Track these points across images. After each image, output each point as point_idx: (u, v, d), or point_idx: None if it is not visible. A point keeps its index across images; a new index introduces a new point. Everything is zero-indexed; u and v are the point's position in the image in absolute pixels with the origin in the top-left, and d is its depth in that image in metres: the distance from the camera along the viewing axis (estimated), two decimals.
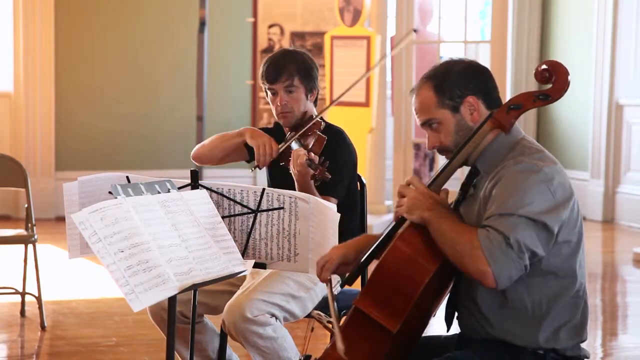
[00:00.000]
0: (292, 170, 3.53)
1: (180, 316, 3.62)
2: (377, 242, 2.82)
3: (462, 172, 2.95)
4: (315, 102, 3.83)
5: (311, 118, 3.76)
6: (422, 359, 2.84)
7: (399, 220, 2.79)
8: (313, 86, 3.78)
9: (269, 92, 3.78)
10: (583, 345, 2.83)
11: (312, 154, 3.49)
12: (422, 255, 2.67)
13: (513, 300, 2.73)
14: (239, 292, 3.57)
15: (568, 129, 9.50)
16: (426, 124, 2.82)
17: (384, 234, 2.82)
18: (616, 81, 9.07)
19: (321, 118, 3.78)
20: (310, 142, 3.66)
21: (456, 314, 2.87)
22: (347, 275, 2.87)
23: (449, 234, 2.64)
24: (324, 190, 3.59)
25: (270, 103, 3.80)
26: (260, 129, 4.05)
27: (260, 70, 3.81)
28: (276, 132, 3.87)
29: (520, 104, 2.75)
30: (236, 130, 3.83)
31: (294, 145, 3.66)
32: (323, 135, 3.67)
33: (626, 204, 9.02)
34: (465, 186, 2.84)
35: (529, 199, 2.62)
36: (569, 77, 2.74)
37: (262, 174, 3.94)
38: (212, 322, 3.86)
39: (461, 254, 2.61)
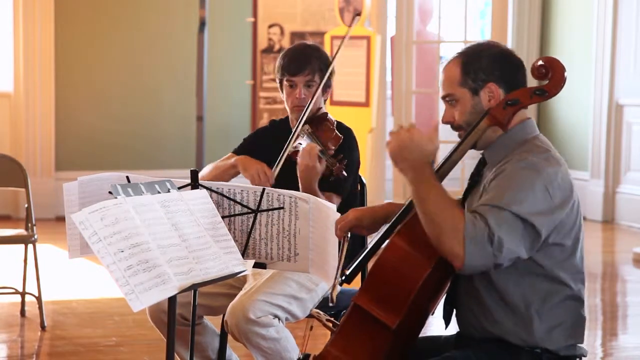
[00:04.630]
0: (299, 165, 3.53)
1: (180, 318, 3.62)
2: (376, 239, 2.83)
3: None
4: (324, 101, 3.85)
5: (323, 114, 3.76)
6: (421, 359, 2.84)
7: (399, 218, 2.80)
8: (329, 84, 3.80)
9: (286, 84, 3.77)
10: (582, 345, 2.84)
11: (331, 147, 3.52)
12: (420, 251, 2.68)
13: (510, 299, 2.74)
14: (241, 293, 3.57)
15: (568, 129, 9.50)
16: (445, 98, 2.83)
17: (382, 233, 2.83)
18: (616, 81, 9.06)
19: (331, 116, 3.79)
20: (325, 139, 3.65)
21: (454, 311, 2.88)
22: (347, 273, 2.87)
23: (433, 206, 2.62)
24: (332, 187, 3.60)
25: (284, 95, 3.80)
26: (257, 130, 4.04)
27: (278, 61, 3.80)
28: (277, 130, 3.86)
29: (516, 100, 2.76)
30: (229, 161, 3.81)
31: (306, 140, 3.66)
32: (339, 134, 3.68)
33: (626, 204, 9.02)
34: (474, 176, 2.85)
35: (524, 197, 2.62)
36: (566, 73, 2.75)
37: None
38: (212, 322, 3.86)
39: (441, 229, 2.60)
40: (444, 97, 2.84)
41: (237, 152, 3.90)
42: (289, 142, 3.67)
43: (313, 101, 3.70)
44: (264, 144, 3.86)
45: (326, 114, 3.79)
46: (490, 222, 2.58)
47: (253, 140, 3.94)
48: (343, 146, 3.68)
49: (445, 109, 2.84)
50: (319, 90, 3.73)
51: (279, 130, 3.85)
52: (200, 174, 3.85)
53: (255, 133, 4.02)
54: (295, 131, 3.67)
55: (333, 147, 3.64)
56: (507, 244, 2.59)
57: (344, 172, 3.48)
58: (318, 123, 3.72)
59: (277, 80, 3.84)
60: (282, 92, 3.81)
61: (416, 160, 2.67)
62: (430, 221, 2.62)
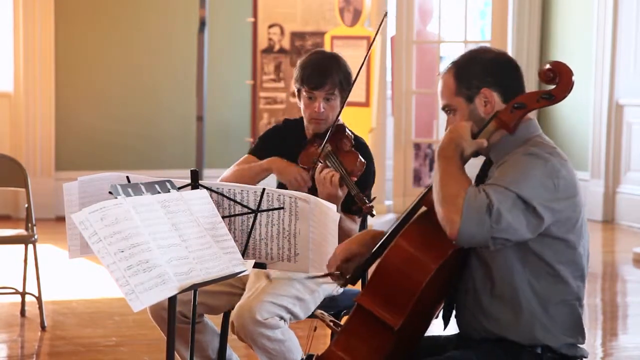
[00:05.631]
0: (320, 192, 3.49)
1: (180, 316, 3.62)
2: (381, 241, 2.83)
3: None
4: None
5: (340, 127, 3.69)
6: (421, 359, 2.84)
7: (405, 220, 2.80)
8: (347, 96, 3.74)
9: (304, 95, 3.72)
10: (582, 346, 2.84)
11: (356, 172, 3.51)
12: (424, 253, 2.69)
13: (510, 297, 2.74)
14: (247, 293, 3.56)
15: (568, 129, 9.50)
16: (444, 108, 2.86)
17: (388, 234, 2.83)
18: (616, 81, 9.06)
19: (348, 129, 3.75)
20: (348, 163, 3.59)
21: (454, 312, 2.88)
22: (350, 274, 2.88)
23: (444, 175, 2.66)
24: (355, 211, 3.58)
25: (302, 105, 3.75)
26: (271, 129, 4.00)
27: (298, 72, 3.73)
28: (290, 130, 3.84)
29: (523, 104, 2.77)
30: (260, 164, 3.74)
31: (328, 161, 3.59)
32: (363, 160, 3.62)
33: (626, 204, 9.02)
34: (480, 177, 2.85)
35: (528, 181, 2.64)
36: (573, 78, 2.76)
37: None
38: (212, 322, 3.86)
39: (444, 196, 2.63)
40: (443, 108, 2.87)
41: (254, 152, 3.88)
42: (317, 160, 3.60)
43: (334, 121, 3.66)
44: (277, 143, 3.84)
45: (344, 127, 3.72)
46: (491, 196, 2.60)
47: (267, 139, 3.90)
48: (367, 171, 3.64)
49: (447, 119, 2.86)
50: (338, 104, 3.69)
51: (293, 131, 3.82)
52: (221, 179, 3.79)
53: (269, 132, 3.96)
54: (320, 155, 3.61)
55: (358, 172, 3.59)
56: (506, 218, 2.59)
57: (373, 212, 3.43)
58: (337, 141, 3.66)
59: (295, 89, 3.79)
60: (300, 100, 3.77)
61: (447, 141, 2.72)
62: (437, 190, 2.65)
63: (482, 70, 2.80)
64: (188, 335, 3.54)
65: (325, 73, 3.68)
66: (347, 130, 3.73)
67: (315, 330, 3.07)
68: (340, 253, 2.94)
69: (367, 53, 3.80)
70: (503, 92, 2.80)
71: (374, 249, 2.84)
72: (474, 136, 2.78)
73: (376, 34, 3.82)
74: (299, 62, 3.79)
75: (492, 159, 2.83)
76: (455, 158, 2.71)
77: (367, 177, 3.66)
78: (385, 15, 3.87)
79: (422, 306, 2.73)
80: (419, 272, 2.67)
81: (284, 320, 3.50)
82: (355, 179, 3.56)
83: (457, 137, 2.74)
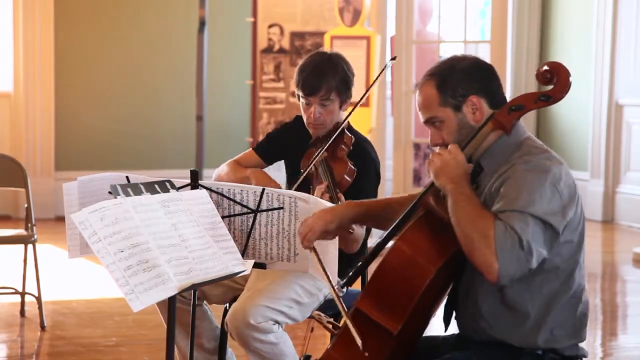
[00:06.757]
0: None
1: (178, 296, 3.60)
2: (378, 242, 2.82)
3: None
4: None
5: (340, 133, 3.66)
6: (421, 359, 2.84)
7: (402, 221, 2.79)
8: (348, 97, 3.71)
9: (302, 100, 3.69)
10: (582, 344, 2.83)
11: (347, 179, 3.51)
12: (423, 256, 2.67)
13: (513, 302, 2.73)
14: (245, 293, 3.56)
15: (568, 129, 9.50)
16: (429, 121, 2.80)
17: (385, 235, 2.82)
18: (616, 81, 9.07)
19: (350, 130, 3.72)
20: (338, 172, 3.56)
21: (454, 313, 2.87)
22: (347, 276, 2.87)
23: (466, 215, 2.63)
24: None
25: (302, 109, 3.72)
26: (282, 126, 3.98)
27: (295, 76, 3.69)
28: (298, 127, 3.81)
29: (521, 105, 2.75)
30: (244, 172, 3.76)
31: (319, 169, 3.56)
32: (353, 168, 3.60)
33: (626, 204, 9.02)
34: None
35: (538, 198, 2.62)
36: (570, 78, 2.75)
37: (281, 173, 3.92)
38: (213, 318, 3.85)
39: (472, 239, 2.60)
40: (426, 121, 2.81)
41: (258, 149, 3.88)
42: (308, 168, 3.60)
43: (332, 127, 3.64)
44: (282, 143, 3.84)
45: (343, 130, 3.68)
46: (517, 229, 2.58)
47: (273, 139, 3.90)
48: (357, 177, 3.61)
49: (431, 132, 2.81)
50: (337, 107, 3.66)
51: (300, 130, 3.80)
52: (217, 171, 3.83)
53: (278, 131, 3.95)
54: (313, 161, 3.59)
55: (346, 183, 3.57)
56: (535, 246, 2.60)
57: None
58: (335, 146, 3.63)
59: (295, 93, 3.76)
60: (300, 104, 3.74)
61: (456, 176, 2.69)
62: (463, 232, 2.62)
63: (465, 78, 2.76)
64: (186, 319, 3.54)
65: (320, 78, 3.63)
66: (346, 133, 3.69)
67: (312, 330, 3.07)
68: (318, 229, 2.90)
69: (366, 93, 3.74)
70: (489, 98, 2.77)
71: (371, 252, 2.83)
72: (470, 139, 2.76)
73: (377, 77, 3.76)
74: (299, 64, 3.77)
75: (484, 166, 2.78)
76: (469, 190, 2.68)
77: (360, 183, 3.62)
78: (394, 58, 3.81)
79: (422, 308, 2.71)
80: (418, 275, 2.65)
81: (279, 324, 3.49)
82: (343, 189, 3.54)
83: (460, 167, 2.71)
